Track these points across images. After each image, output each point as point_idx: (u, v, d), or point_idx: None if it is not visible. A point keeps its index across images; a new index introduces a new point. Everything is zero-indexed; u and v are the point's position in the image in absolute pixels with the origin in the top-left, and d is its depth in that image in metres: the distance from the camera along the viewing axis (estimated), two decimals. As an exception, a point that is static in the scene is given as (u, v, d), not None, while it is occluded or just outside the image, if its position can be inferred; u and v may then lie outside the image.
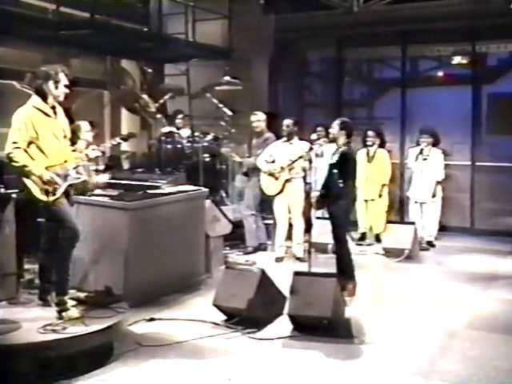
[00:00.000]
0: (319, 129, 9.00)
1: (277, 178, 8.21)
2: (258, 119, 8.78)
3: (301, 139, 8.25)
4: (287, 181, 8.19)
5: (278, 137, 8.69)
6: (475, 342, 5.38)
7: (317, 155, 8.04)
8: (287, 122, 8.36)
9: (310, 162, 7.37)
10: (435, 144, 9.23)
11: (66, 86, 5.09)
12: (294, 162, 7.98)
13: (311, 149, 7.07)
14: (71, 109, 7.60)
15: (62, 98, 5.12)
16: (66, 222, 5.02)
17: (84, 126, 6.96)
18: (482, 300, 6.70)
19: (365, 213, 9.23)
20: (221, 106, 9.54)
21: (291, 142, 8.29)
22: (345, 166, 6.45)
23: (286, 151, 8.23)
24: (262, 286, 5.79)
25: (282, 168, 8.15)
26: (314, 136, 7.08)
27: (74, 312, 5.01)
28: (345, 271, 6.42)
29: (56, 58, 8.17)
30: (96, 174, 6.98)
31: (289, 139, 8.31)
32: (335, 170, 6.44)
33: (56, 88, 5.05)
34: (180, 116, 9.73)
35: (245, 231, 8.79)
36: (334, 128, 6.63)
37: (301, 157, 6.79)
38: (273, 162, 8.31)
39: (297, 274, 5.77)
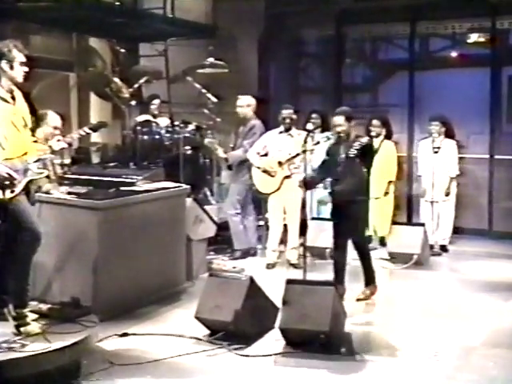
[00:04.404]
0: (314, 116, 9.00)
1: (273, 176, 8.20)
2: (241, 105, 8.75)
3: (296, 129, 8.27)
4: (286, 177, 8.17)
5: (266, 125, 8.68)
6: (495, 360, 5.37)
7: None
8: (287, 111, 8.30)
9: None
10: (448, 134, 9.23)
11: (22, 64, 5.04)
12: (294, 156, 7.96)
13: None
14: (32, 94, 7.56)
15: (20, 79, 5.09)
16: (25, 223, 5.00)
17: (51, 114, 6.92)
18: (502, 312, 6.70)
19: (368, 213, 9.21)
20: (204, 91, 9.52)
21: (290, 134, 8.28)
22: (369, 159, 6.75)
23: (284, 144, 8.21)
24: (251, 295, 5.78)
25: (280, 163, 8.13)
26: (309, 125, 7.07)
27: (34, 327, 4.99)
28: (369, 276, 6.97)
29: (13, 34, 8.11)
30: (61, 168, 6.95)
31: (287, 130, 8.29)
32: (356, 163, 6.61)
33: (11, 68, 5.01)
34: (156, 102, 9.66)
35: (230, 233, 8.78)
36: (339, 120, 6.80)
37: (304, 151, 6.78)
38: (265, 154, 8.30)
39: (290, 282, 5.77)
